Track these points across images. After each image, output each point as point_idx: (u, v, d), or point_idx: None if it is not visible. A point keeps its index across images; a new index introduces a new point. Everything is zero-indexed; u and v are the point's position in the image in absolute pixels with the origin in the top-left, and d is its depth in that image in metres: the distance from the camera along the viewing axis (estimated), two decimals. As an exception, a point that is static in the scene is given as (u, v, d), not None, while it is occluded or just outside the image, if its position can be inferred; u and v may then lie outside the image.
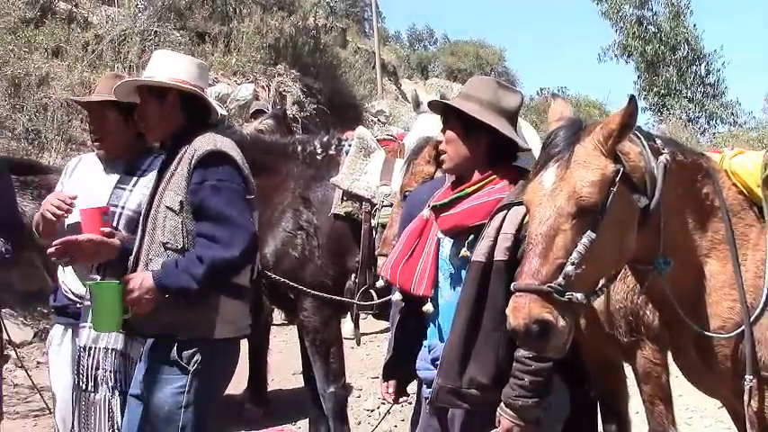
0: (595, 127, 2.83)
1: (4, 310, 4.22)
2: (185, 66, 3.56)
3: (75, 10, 11.94)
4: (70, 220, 3.82)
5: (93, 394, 3.83)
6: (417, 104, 5.15)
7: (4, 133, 8.54)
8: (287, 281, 4.85)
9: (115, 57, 11.37)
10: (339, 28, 21.82)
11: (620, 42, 29.09)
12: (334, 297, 4.88)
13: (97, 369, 3.82)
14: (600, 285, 2.82)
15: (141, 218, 3.49)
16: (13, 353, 6.17)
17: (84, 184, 4.08)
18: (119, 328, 3.50)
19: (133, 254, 3.46)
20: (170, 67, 3.51)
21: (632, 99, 2.76)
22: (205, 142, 3.35)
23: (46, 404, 4.78)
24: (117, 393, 3.82)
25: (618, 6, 28.88)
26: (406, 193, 4.02)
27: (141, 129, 3.67)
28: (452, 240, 3.18)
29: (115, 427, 3.80)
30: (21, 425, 5.34)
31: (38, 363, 6.54)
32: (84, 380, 3.83)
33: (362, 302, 4.91)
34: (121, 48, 11.55)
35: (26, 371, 5.08)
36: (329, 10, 20.83)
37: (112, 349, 3.81)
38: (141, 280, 3.21)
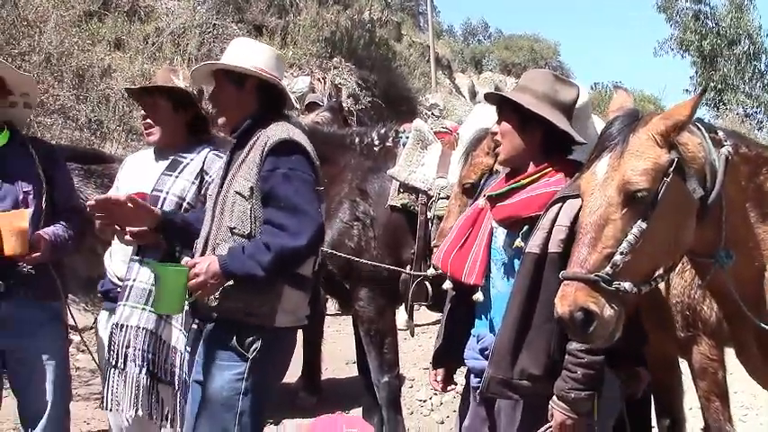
0: (652, 117, 2.82)
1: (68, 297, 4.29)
2: (265, 55, 3.58)
3: (136, 3, 12.07)
4: None
5: (123, 371, 3.89)
6: (474, 95, 5.17)
7: (68, 123, 8.67)
8: (350, 257, 4.91)
9: (175, 49, 11.49)
10: (394, 22, 21.79)
11: (677, 37, 28.64)
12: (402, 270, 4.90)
13: (128, 347, 3.88)
14: (654, 276, 2.79)
15: (211, 203, 3.51)
16: (76, 337, 6.30)
17: (135, 173, 4.17)
18: (180, 312, 3.55)
19: (200, 238, 3.48)
20: (250, 54, 3.52)
21: (704, 90, 2.74)
22: (279, 131, 3.36)
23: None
24: (145, 371, 3.88)
25: (673, 0, 28.46)
26: (465, 185, 4.02)
27: (214, 113, 3.68)
28: (506, 231, 3.17)
29: (139, 403, 3.86)
30: (83, 407, 5.45)
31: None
32: (115, 356, 3.90)
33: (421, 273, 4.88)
34: (181, 40, 11.67)
35: (91, 354, 5.16)
36: (384, 3, 20.78)
37: (143, 328, 3.87)
38: (207, 264, 3.21)
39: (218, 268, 3.21)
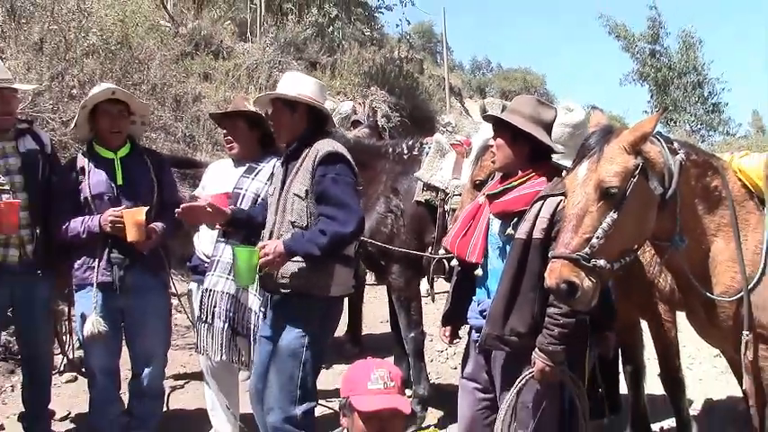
0: (622, 131, 2.85)
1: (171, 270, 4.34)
2: (312, 85, 3.60)
3: (220, 45, 12.12)
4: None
5: (211, 326, 3.93)
6: (485, 112, 5.12)
7: (168, 138, 8.74)
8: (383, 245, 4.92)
9: (249, 81, 11.51)
10: (417, 59, 21.72)
11: (637, 70, 28.31)
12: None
13: (215, 307, 3.94)
14: (623, 255, 2.78)
15: (273, 202, 3.54)
16: (175, 300, 6.35)
17: (219, 176, 4.23)
18: (254, 283, 3.59)
19: (266, 230, 3.54)
20: (300, 85, 3.55)
21: (664, 109, 2.76)
22: (326, 145, 3.42)
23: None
24: (227, 326, 3.92)
25: (634, 42, 28.16)
26: (476, 182, 4.02)
27: (273, 131, 3.74)
28: (500, 221, 3.19)
29: (223, 351, 3.92)
30: (180, 354, 5.51)
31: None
32: (205, 314, 3.95)
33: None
34: (254, 74, 11.69)
35: (186, 313, 5.22)
36: (410, 45, 20.73)
37: (227, 293, 3.93)
38: (275, 246, 3.29)
39: (283, 248, 3.28)
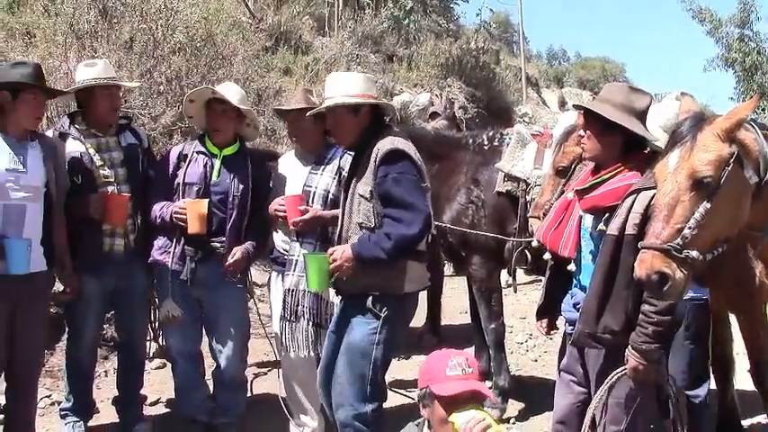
0: (716, 118, 2.73)
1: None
2: (364, 82, 3.56)
3: (299, 40, 12.28)
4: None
5: (295, 324, 3.98)
6: (563, 104, 5.07)
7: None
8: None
9: (327, 74, 11.59)
10: (494, 49, 21.48)
11: (722, 55, 27.17)
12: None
13: (298, 305, 3.98)
14: (716, 246, 2.70)
15: (341, 203, 3.57)
16: (257, 290, 6.48)
17: (287, 173, 4.25)
18: (325, 288, 3.65)
19: (336, 232, 3.57)
20: (354, 85, 3.49)
21: (760, 96, 2.66)
22: (387, 143, 3.37)
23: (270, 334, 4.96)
24: (312, 324, 3.96)
25: (720, 27, 27.00)
26: (558, 168, 3.95)
27: (334, 134, 3.66)
28: (592, 216, 3.11)
29: (310, 346, 3.95)
30: (261, 343, 5.59)
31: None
32: (289, 313, 3.99)
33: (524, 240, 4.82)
34: (332, 67, 11.77)
35: (255, 303, 5.29)
36: (489, 34, 20.53)
37: (308, 291, 3.93)
38: (343, 251, 3.32)
39: (351, 254, 3.30)
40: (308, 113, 3.78)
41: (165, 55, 7.95)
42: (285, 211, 3.96)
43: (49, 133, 4.15)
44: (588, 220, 3.14)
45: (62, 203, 3.88)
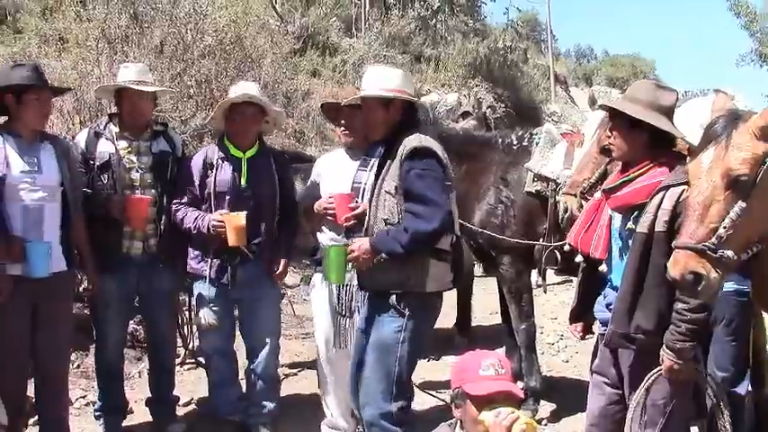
0: (751, 116, 2.68)
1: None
2: (400, 78, 3.54)
3: (327, 41, 12.32)
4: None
5: (348, 319, 4.00)
6: (593, 102, 4.96)
7: (278, 133, 8.94)
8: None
9: (355, 75, 11.65)
10: (521, 48, 21.42)
11: (757, 49, 26.61)
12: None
13: (351, 300, 3.99)
14: (751, 245, 2.65)
15: (369, 199, 3.56)
16: (288, 292, 6.51)
17: (335, 172, 4.20)
18: (343, 281, 3.71)
19: (365, 226, 3.55)
20: (391, 80, 3.49)
21: None
22: (413, 140, 3.35)
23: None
24: None
25: (755, 20, 26.44)
26: (605, 146, 3.90)
27: (366, 128, 3.65)
28: (621, 216, 3.08)
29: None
30: (294, 344, 5.64)
31: (303, 299, 6.85)
32: (342, 308, 4.02)
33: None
34: (360, 68, 11.83)
35: (291, 305, 5.31)
36: (517, 33, 20.46)
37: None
38: (360, 244, 3.36)
39: (368, 246, 3.33)
40: (342, 104, 3.83)
41: (195, 58, 8.04)
42: (334, 209, 3.96)
43: (84, 132, 4.22)
44: (618, 219, 3.11)
45: (79, 201, 3.92)
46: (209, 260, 4.10)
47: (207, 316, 4.14)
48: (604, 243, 3.16)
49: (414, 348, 3.44)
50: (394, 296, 3.37)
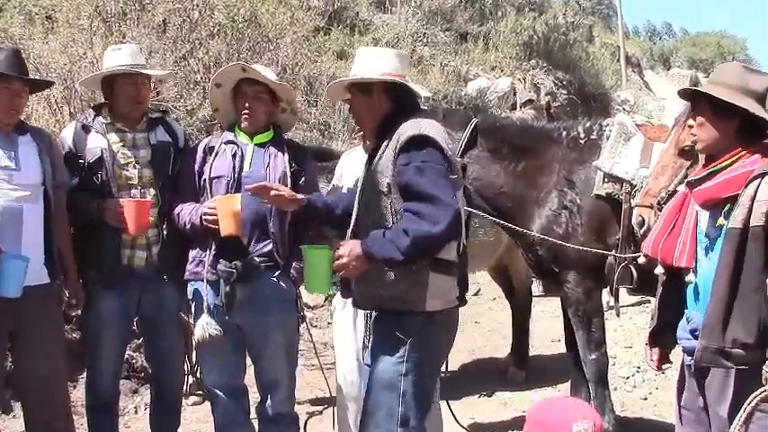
0: None
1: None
2: (389, 59, 3.46)
3: (356, 18, 12.32)
4: None
5: None
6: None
7: (300, 125, 8.94)
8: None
9: (390, 58, 11.64)
10: (586, 25, 21.30)
11: None
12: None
13: None
14: None
15: (357, 198, 3.47)
16: (309, 314, 6.46)
17: (355, 171, 4.11)
18: (328, 291, 3.56)
19: (349, 229, 3.45)
20: (375, 62, 3.42)
21: None
22: (409, 128, 3.24)
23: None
24: None
25: None
26: (684, 148, 3.82)
27: (356, 124, 3.65)
28: (708, 213, 3.02)
29: None
30: (317, 376, 5.56)
31: (328, 323, 6.80)
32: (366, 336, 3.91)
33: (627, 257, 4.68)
34: (395, 48, 11.81)
35: (308, 329, 5.24)
36: (577, 8, 20.36)
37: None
38: (350, 248, 3.18)
39: (360, 251, 3.14)
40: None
41: (203, 39, 8.08)
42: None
43: (71, 126, 4.21)
44: (704, 219, 3.06)
45: (63, 202, 3.91)
46: (206, 261, 3.96)
47: (207, 325, 3.94)
48: (690, 248, 3.10)
49: (421, 382, 3.29)
50: (392, 319, 3.27)
